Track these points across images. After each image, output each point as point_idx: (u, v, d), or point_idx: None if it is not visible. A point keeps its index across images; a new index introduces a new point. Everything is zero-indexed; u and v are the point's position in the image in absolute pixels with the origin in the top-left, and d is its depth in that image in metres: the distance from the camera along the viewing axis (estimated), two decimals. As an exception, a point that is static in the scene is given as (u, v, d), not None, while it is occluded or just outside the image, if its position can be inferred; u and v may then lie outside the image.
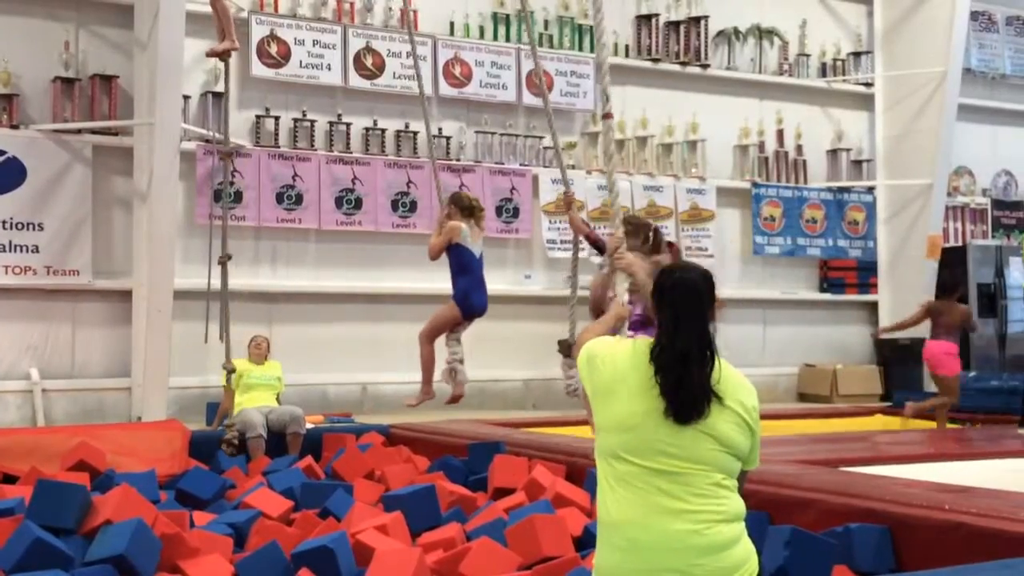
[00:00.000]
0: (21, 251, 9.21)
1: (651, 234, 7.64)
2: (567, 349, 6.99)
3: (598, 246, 7.43)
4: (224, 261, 7.90)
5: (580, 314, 7.03)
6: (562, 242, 11.63)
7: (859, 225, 13.17)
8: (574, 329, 6.97)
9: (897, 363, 11.97)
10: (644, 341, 2.96)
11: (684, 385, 2.85)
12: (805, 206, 12.90)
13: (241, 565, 4.42)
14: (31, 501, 4.93)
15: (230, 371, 7.76)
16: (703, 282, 2.98)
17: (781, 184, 12.85)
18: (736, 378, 2.95)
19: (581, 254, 7.83)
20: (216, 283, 8.13)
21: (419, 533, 5.10)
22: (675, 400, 2.83)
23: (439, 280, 10.94)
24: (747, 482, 3.01)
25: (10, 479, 6.35)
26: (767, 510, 4.81)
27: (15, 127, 9.22)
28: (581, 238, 7.40)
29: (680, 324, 2.90)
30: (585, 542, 4.82)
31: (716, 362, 2.88)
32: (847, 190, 13.12)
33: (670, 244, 9.63)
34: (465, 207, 7.40)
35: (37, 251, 9.24)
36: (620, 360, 2.93)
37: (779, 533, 4.33)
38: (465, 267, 7.33)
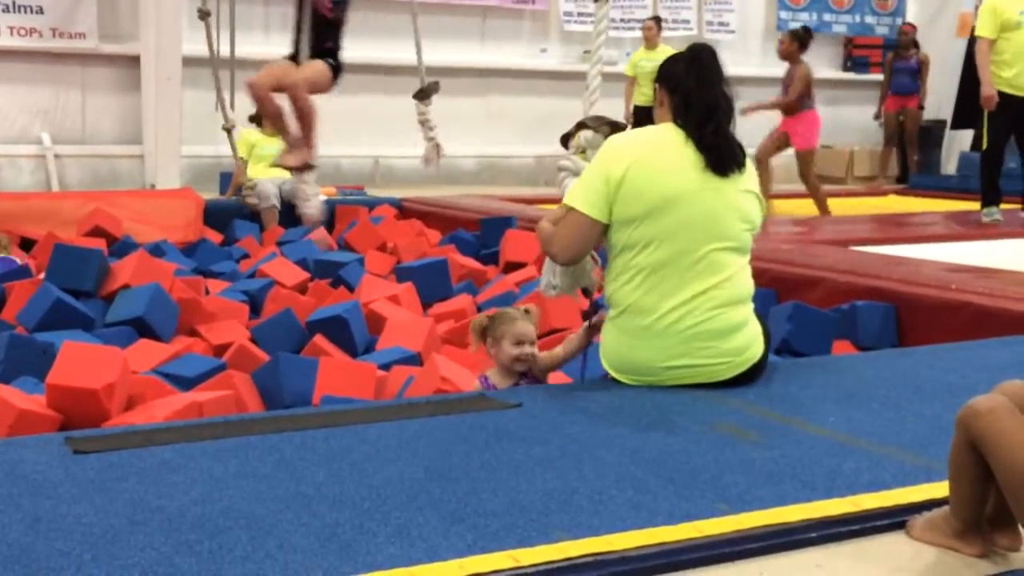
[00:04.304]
0: (25, 11, 8.98)
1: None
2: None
3: None
4: (205, 16, 7.49)
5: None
6: (579, 14, 11.28)
7: (888, 1, 12.69)
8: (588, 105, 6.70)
9: (917, 145, 11.80)
10: (666, 123, 2.95)
11: (720, 133, 2.91)
12: (833, -20, 12.41)
13: (257, 331, 4.52)
14: (49, 264, 5.01)
15: (230, 129, 7.53)
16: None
17: (810, -45, 12.32)
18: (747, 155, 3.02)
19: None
20: (225, 49, 7.98)
21: (430, 304, 5.19)
22: (714, 150, 2.87)
23: (452, 52, 10.76)
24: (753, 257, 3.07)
25: (28, 243, 6.43)
26: (775, 288, 4.87)
27: None
28: None
29: (703, 80, 2.92)
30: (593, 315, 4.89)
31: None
32: (879, -37, 12.58)
33: None
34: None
35: (41, 12, 9.00)
36: (648, 151, 2.89)
37: (782, 309, 4.40)
38: None
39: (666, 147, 2.89)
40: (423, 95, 7.38)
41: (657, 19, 10.48)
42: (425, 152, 7.38)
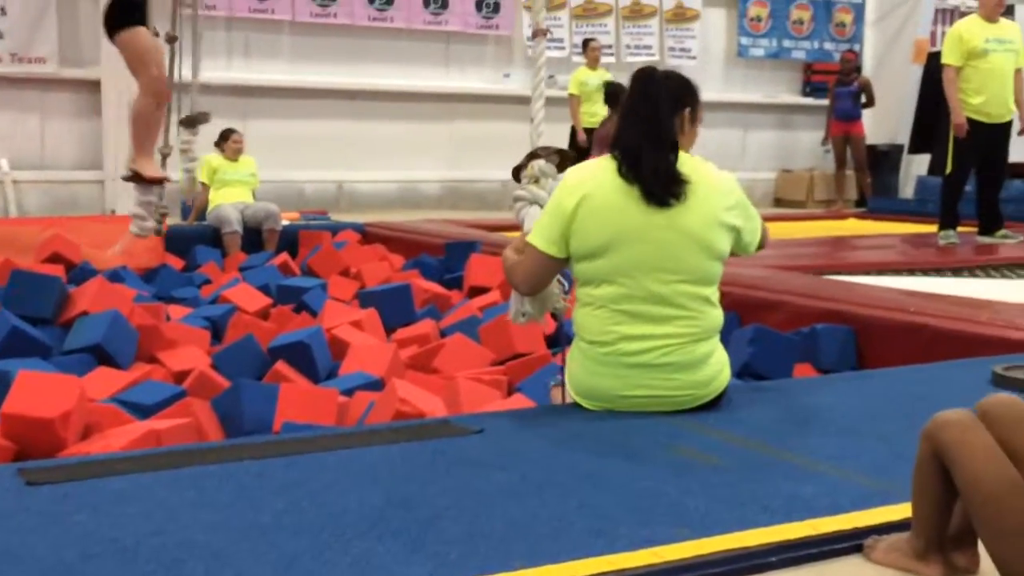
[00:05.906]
0: (-16, 37, 8.95)
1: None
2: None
3: None
4: (172, 41, 7.00)
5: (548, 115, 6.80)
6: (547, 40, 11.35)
7: (846, 27, 12.90)
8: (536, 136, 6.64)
9: (874, 169, 11.97)
10: (611, 156, 2.91)
11: (658, 164, 2.83)
12: (792, 6, 12.60)
13: (218, 357, 4.48)
14: (6, 291, 4.94)
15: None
16: (678, 80, 2.94)
17: (769, -17, 12.51)
18: (713, 180, 2.91)
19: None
20: (188, 75, 7.92)
21: (394, 330, 5.17)
22: (649, 181, 2.81)
23: (416, 77, 10.80)
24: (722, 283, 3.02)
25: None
26: (737, 311, 4.89)
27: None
28: None
29: (642, 111, 2.86)
30: (557, 340, 4.89)
31: (685, 157, 2.87)
32: (837, -10, 12.78)
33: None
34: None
35: (1, 37, 8.96)
36: (599, 186, 2.86)
37: (745, 332, 4.43)
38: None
39: (611, 182, 2.83)
40: (191, 123, 6.89)
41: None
42: (182, 183, 7.02)
